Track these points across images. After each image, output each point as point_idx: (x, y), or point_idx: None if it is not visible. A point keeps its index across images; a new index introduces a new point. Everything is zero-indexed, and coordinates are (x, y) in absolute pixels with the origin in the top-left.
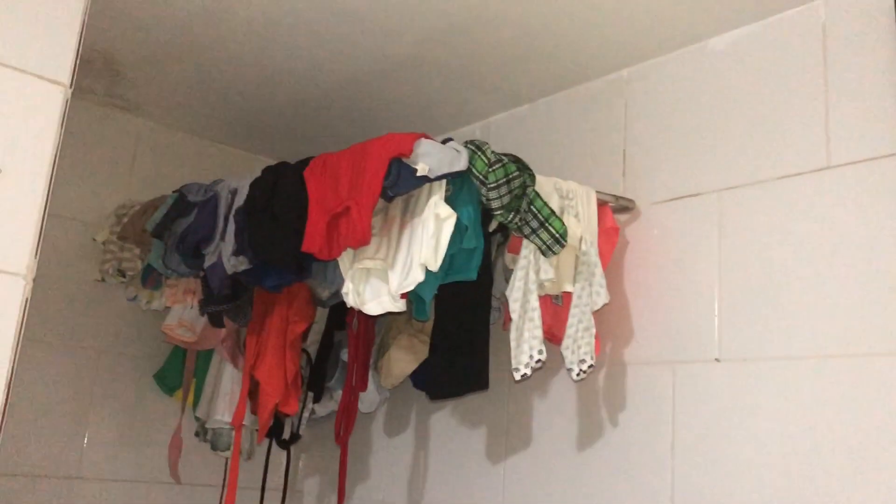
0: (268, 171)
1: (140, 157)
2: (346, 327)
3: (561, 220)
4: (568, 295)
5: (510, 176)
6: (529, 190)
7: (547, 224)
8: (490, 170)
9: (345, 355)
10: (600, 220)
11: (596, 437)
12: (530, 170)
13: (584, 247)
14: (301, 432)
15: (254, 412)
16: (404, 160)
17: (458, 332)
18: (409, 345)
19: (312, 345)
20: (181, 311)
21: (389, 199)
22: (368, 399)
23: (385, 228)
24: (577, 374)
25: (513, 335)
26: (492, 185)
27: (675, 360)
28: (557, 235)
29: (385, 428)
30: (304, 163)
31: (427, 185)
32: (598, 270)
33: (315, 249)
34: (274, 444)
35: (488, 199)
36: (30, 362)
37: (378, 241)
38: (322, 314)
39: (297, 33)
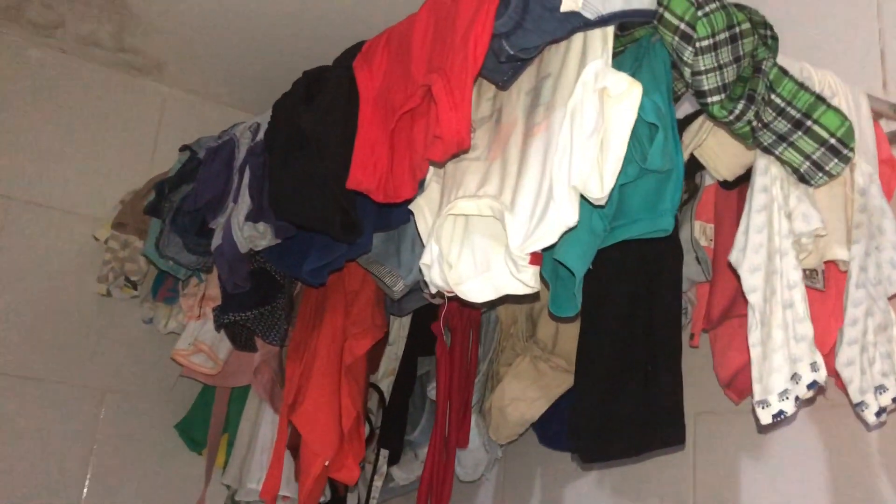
0: (299, 80)
1: (165, 128)
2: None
3: (838, 112)
4: (834, 269)
5: (737, 30)
6: (768, 65)
7: (810, 121)
8: (700, 14)
9: (433, 392)
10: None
11: None
12: (770, 28)
13: (861, 181)
14: None
15: (298, 479)
16: None
17: (625, 345)
18: (534, 374)
19: (386, 377)
20: (197, 330)
21: (503, 82)
22: (471, 460)
23: (497, 144)
24: (878, 414)
25: (753, 337)
26: (703, 44)
27: None
28: (835, 141)
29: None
30: (354, 52)
31: (578, 42)
32: (890, 223)
33: (372, 184)
34: None
35: (694, 74)
36: (11, 405)
37: (485, 168)
38: (400, 329)
39: None
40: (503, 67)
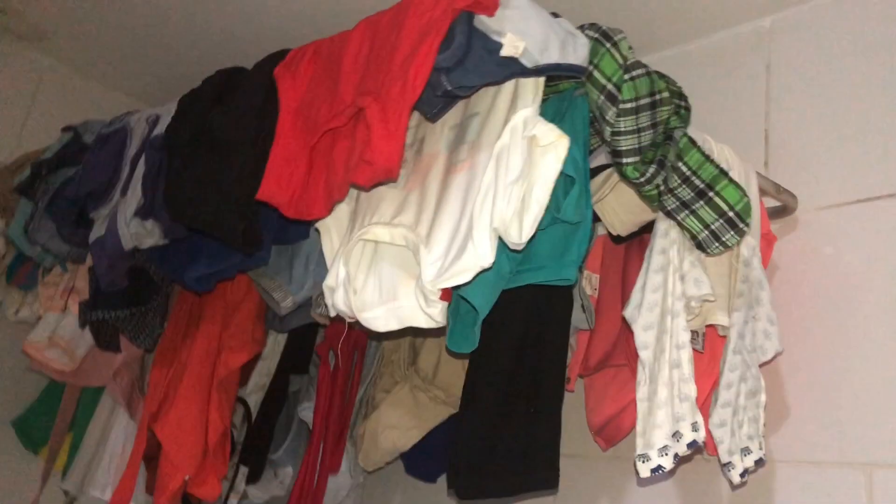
0: (211, 78)
1: (40, 103)
2: (318, 364)
3: (738, 188)
4: (712, 333)
5: (657, 97)
6: (679, 133)
7: (712, 193)
8: (626, 78)
9: (306, 413)
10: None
11: None
12: (685, 99)
13: (745, 252)
14: None
15: (150, 491)
16: (478, 23)
17: (511, 386)
18: (411, 403)
19: (255, 392)
20: (56, 323)
21: (433, 115)
22: (333, 485)
23: (416, 174)
24: (742, 475)
25: (641, 392)
26: (626, 106)
27: (870, 462)
28: (733, 214)
29: None
30: (276, 58)
31: (510, 86)
32: (766, 295)
33: (283, 198)
34: None
35: (614, 134)
36: None
37: (402, 197)
38: (275, 345)
39: None
40: (435, 100)
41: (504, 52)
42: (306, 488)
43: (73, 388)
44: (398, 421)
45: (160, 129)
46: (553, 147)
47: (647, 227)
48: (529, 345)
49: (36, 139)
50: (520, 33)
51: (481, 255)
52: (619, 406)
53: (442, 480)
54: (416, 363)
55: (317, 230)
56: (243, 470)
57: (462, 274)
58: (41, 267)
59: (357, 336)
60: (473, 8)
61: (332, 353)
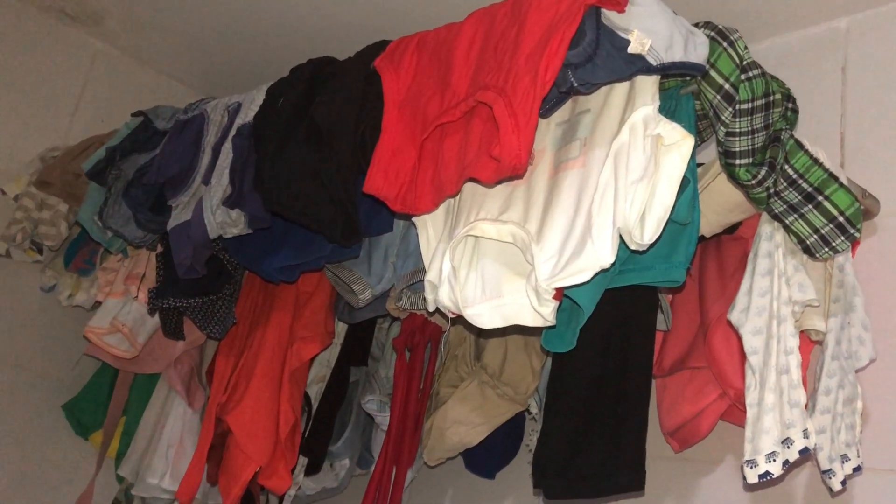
0: (302, 67)
1: (91, 88)
2: (376, 357)
3: (849, 192)
4: (804, 338)
5: (771, 99)
6: (786, 135)
7: (822, 197)
8: (744, 78)
9: (370, 405)
10: None
11: None
12: (793, 101)
13: (840, 257)
14: None
15: (213, 481)
16: (605, 19)
17: (597, 387)
18: (480, 399)
19: (316, 383)
20: (117, 308)
21: (545, 111)
22: None
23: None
24: (843, 482)
25: (751, 398)
26: (742, 107)
27: None
28: (843, 219)
29: None
30: (375, 50)
31: (623, 86)
32: (860, 301)
33: (391, 192)
34: None
35: (728, 135)
36: None
37: (508, 193)
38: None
39: None
40: (550, 95)
41: (630, 49)
42: (384, 483)
43: (126, 375)
44: (466, 417)
45: (243, 117)
46: (677, 146)
47: (726, 229)
48: (615, 345)
49: (87, 123)
50: (646, 30)
51: (602, 256)
52: (697, 409)
53: (500, 476)
54: (482, 359)
55: (413, 224)
56: (302, 461)
57: (580, 273)
58: (99, 252)
59: (431, 330)
60: (603, 3)
61: (406, 348)
